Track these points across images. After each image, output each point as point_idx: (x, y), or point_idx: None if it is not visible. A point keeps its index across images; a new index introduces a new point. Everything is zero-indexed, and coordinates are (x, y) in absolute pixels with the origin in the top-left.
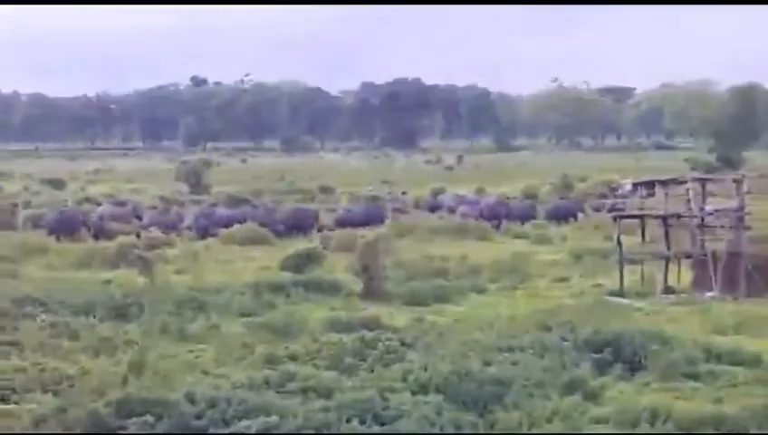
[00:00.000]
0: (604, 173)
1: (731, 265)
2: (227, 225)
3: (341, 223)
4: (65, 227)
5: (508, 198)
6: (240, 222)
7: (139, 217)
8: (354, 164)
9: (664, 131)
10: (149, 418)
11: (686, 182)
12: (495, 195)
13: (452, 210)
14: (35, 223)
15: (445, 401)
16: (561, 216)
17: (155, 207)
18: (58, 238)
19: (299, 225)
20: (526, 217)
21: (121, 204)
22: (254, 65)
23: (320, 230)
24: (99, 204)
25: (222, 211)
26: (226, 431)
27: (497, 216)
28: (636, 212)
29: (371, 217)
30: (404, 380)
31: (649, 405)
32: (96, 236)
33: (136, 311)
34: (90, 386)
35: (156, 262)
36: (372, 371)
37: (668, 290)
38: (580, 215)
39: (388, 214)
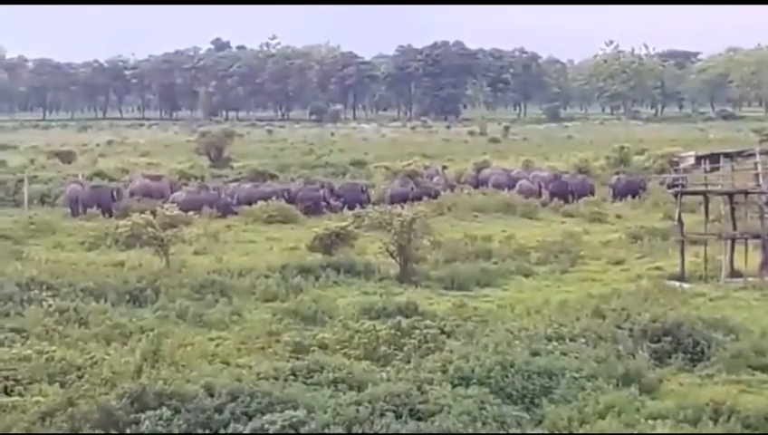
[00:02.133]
0: (664, 145)
1: None
2: (251, 202)
3: (395, 199)
4: (97, 203)
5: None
6: (284, 198)
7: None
8: (390, 136)
9: (730, 100)
10: (165, 411)
11: (754, 155)
12: (549, 169)
13: (498, 186)
14: (43, 199)
15: (488, 394)
16: (625, 192)
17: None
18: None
19: (352, 200)
20: (584, 193)
21: (156, 178)
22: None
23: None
24: (112, 179)
25: (273, 187)
26: (249, 427)
27: (564, 191)
28: (699, 188)
29: (426, 192)
30: (443, 371)
31: (713, 399)
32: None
33: (151, 295)
34: (100, 377)
35: (173, 242)
36: (409, 361)
37: (734, 274)
38: (643, 192)
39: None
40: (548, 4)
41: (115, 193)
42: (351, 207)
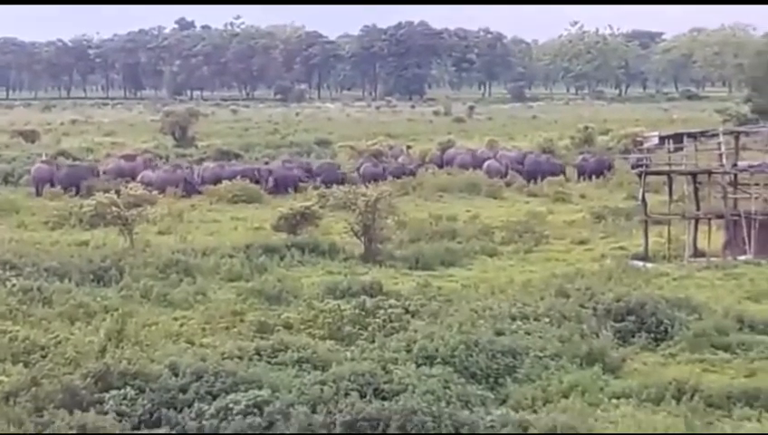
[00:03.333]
0: (628, 125)
1: (766, 225)
2: (216, 181)
3: (367, 178)
4: (75, 183)
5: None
6: (251, 179)
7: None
8: (355, 115)
9: (694, 80)
10: (130, 391)
11: (717, 135)
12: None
13: (463, 166)
14: (6, 179)
15: (452, 373)
16: (593, 172)
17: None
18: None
19: (330, 180)
20: (555, 172)
21: (130, 157)
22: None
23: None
24: (76, 158)
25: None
26: (213, 406)
27: (535, 171)
28: (663, 168)
29: (402, 171)
30: (408, 350)
31: (676, 378)
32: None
33: (115, 275)
34: (64, 356)
35: (137, 222)
36: (373, 340)
37: (698, 253)
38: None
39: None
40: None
41: (91, 173)
42: (329, 187)
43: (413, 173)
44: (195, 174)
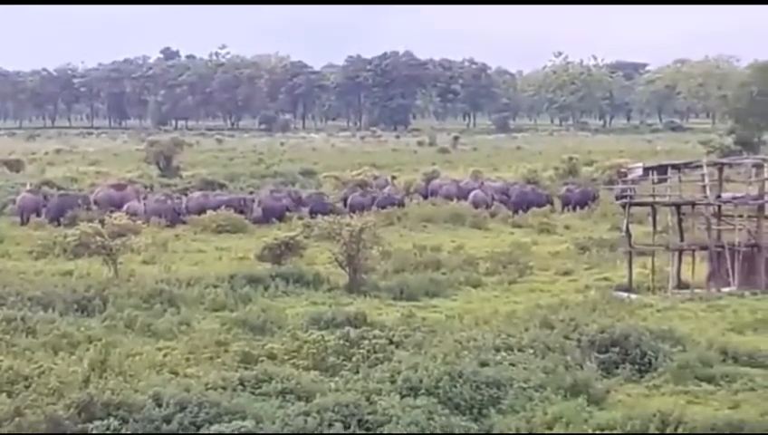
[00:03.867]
0: (612, 156)
1: (750, 257)
2: (201, 211)
3: (354, 208)
4: (66, 212)
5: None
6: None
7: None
8: (340, 145)
9: (678, 111)
10: (113, 421)
11: (701, 167)
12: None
13: (448, 196)
14: None
15: (436, 404)
16: (576, 203)
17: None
18: (58, 224)
19: (318, 210)
20: (542, 203)
21: (120, 187)
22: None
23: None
24: (60, 188)
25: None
26: None
27: (522, 202)
28: (647, 199)
29: (390, 201)
30: (392, 381)
31: (660, 410)
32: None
33: (99, 304)
34: (48, 387)
35: (121, 251)
36: (357, 371)
37: (681, 285)
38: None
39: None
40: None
41: (82, 202)
42: (316, 217)
43: (401, 203)
44: (183, 204)
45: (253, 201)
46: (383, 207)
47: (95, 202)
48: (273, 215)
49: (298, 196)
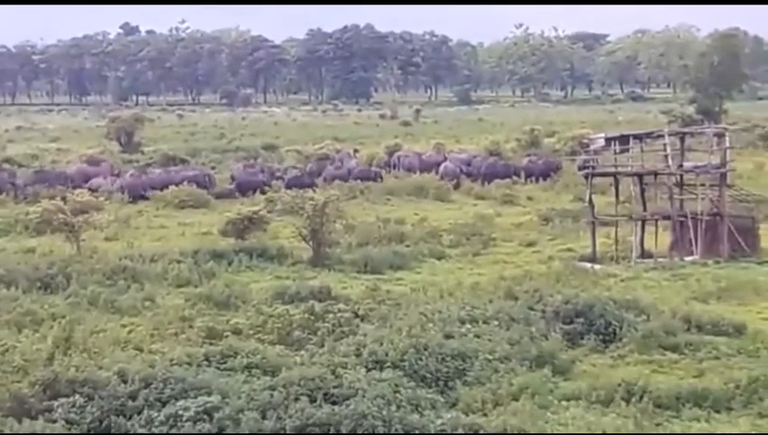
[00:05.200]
0: (574, 127)
1: (712, 226)
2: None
3: (330, 180)
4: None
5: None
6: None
7: (118, 176)
8: (301, 120)
9: (639, 81)
10: (78, 398)
11: (663, 136)
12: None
13: (410, 169)
14: None
15: (402, 377)
16: (538, 174)
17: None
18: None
19: (296, 184)
20: (509, 174)
21: (95, 162)
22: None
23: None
24: (20, 165)
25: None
26: (163, 413)
27: (491, 174)
28: (609, 170)
29: (368, 174)
30: (357, 355)
31: (625, 379)
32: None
33: (62, 282)
34: (12, 364)
35: (84, 228)
36: (323, 345)
37: (645, 254)
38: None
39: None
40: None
41: (61, 179)
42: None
43: (379, 176)
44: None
45: (209, 176)
46: (362, 180)
47: (69, 178)
48: (248, 189)
49: (273, 170)
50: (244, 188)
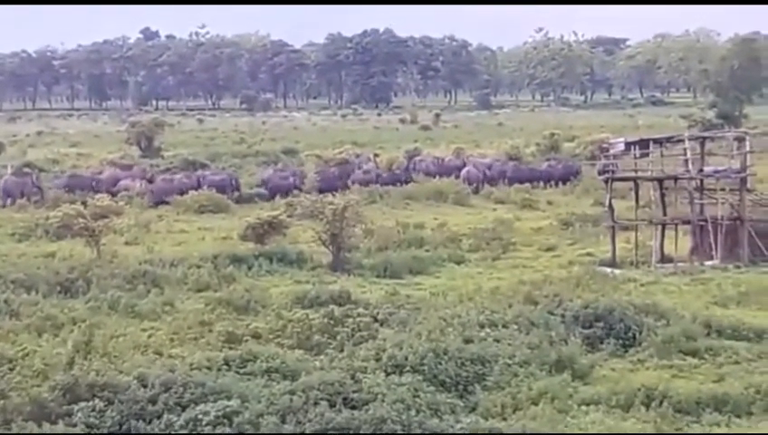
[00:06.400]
0: (594, 132)
1: (733, 231)
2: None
3: (361, 185)
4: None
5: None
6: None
7: (151, 181)
8: (321, 124)
9: (659, 86)
10: (98, 403)
11: (683, 141)
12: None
13: (430, 174)
14: None
15: (421, 381)
16: (558, 178)
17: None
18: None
19: (328, 187)
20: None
21: (127, 167)
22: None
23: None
24: (41, 170)
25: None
26: (182, 417)
27: (516, 178)
28: (629, 174)
29: (396, 178)
30: (377, 359)
31: (645, 384)
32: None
33: (82, 286)
34: (32, 369)
35: (104, 233)
36: (342, 349)
37: (665, 259)
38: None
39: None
40: None
41: (94, 183)
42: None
43: (408, 181)
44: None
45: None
46: (392, 184)
47: (98, 182)
48: (279, 192)
49: (304, 174)
50: (275, 192)
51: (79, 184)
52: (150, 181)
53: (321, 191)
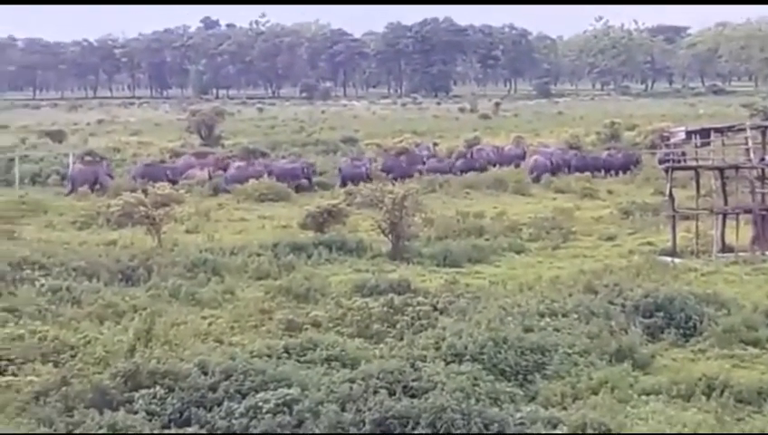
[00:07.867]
0: (654, 121)
1: None
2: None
3: (433, 173)
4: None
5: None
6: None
7: (225, 169)
8: (380, 113)
9: (720, 74)
10: (159, 390)
11: (744, 130)
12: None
13: (491, 163)
14: (34, 179)
15: (481, 370)
16: (618, 167)
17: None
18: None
19: (400, 174)
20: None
21: (202, 155)
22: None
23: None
24: (103, 158)
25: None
26: (243, 405)
27: (582, 167)
28: (690, 163)
29: (470, 165)
30: (436, 348)
31: (705, 374)
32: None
33: (143, 274)
34: (94, 356)
35: (165, 221)
36: (402, 338)
37: (726, 249)
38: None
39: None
40: None
41: (169, 172)
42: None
43: (483, 168)
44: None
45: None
46: (464, 172)
47: (173, 169)
48: (352, 181)
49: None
50: (349, 181)
51: (154, 173)
52: (224, 169)
53: (393, 179)
